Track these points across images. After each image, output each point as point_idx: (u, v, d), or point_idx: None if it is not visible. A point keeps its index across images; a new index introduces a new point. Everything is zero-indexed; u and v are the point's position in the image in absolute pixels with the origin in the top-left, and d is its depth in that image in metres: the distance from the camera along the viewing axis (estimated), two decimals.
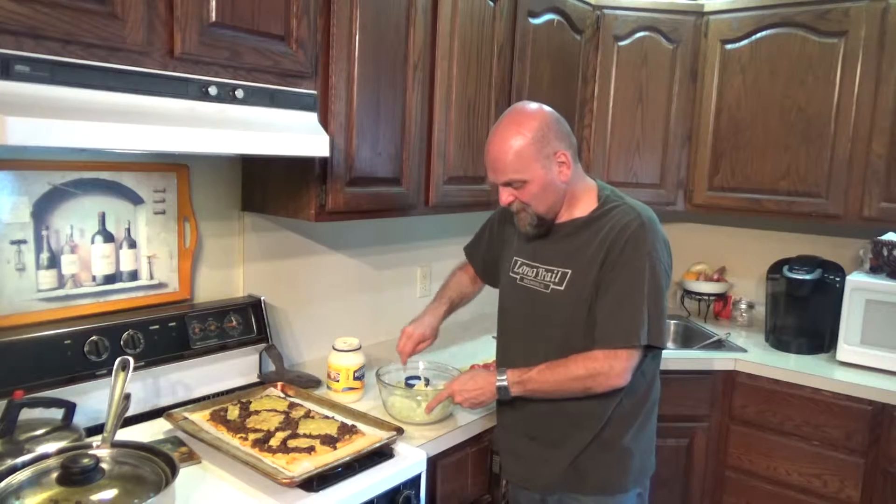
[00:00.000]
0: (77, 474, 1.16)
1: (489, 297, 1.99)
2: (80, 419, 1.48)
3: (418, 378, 1.92)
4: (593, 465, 1.60)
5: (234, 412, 1.65)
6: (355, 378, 1.87)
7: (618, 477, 1.61)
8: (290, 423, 1.60)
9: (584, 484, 1.61)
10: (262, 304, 1.98)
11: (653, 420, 1.69)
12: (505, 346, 1.76)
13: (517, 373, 1.59)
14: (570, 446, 1.60)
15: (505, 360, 1.72)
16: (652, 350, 1.58)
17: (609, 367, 1.50)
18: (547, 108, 1.58)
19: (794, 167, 2.63)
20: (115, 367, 1.36)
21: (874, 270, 2.53)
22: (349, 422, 1.64)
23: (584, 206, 1.62)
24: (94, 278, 1.69)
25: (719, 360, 2.56)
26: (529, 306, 1.66)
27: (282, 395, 1.83)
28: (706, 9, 2.79)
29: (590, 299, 1.55)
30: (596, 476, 1.60)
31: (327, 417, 1.67)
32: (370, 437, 1.57)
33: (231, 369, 1.93)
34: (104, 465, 1.21)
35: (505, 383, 1.59)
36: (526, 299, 1.66)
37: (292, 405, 1.73)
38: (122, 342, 1.65)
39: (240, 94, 1.48)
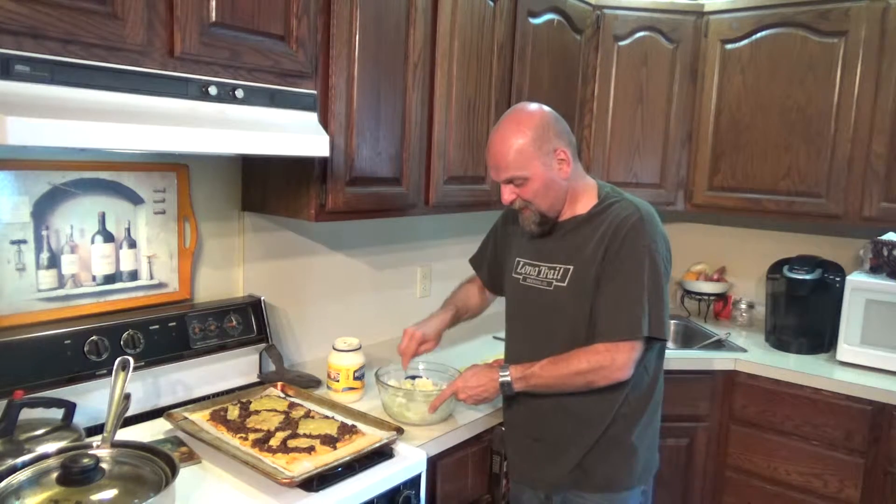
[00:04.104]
0: (77, 474, 1.16)
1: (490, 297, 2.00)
2: (80, 419, 1.48)
3: (419, 378, 1.92)
4: (600, 463, 1.61)
5: (234, 412, 1.65)
6: (355, 378, 1.87)
7: (623, 475, 1.62)
8: (290, 423, 1.60)
9: (589, 482, 1.61)
10: (262, 304, 1.98)
11: (657, 417, 1.70)
12: (512, 345, 1.77)
13: (520, 368, 1.59)
14: (577, 445, 1.61)
15: (512, 359, 1.72)
16: (654, 343, 1.59)
17: (611, 360, 1.51)
18: (546, 107, 1.60)
19: (794, 167, 2.63)
20: (115, 367, 1.36)
21: (874, 270, 2.53)
22: (349, 422, 1.64)
23: (585, 203, 1.63)
24: (94, 278, 1.69)
25: (719, 360, 2.56)
26: (534, 305, 1.66)
27: (282, 395, 1.83)
28: (706, 9, 2.79)
29: (592, 294, 1.55)
30: (602, 474, 1.61)
31: (327, 417, 1.67)
32: (370, 437, 1.57)
33: (231, 369, 1.93)
34: (104, 465, 1.21)
35: (508, 379, 1.60)
36: (530, 298, 1.67)
37: (292, 405, 1.73)
38: (122, 342, 1.66)
39: (240, 94, 1.48)
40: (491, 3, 2.23)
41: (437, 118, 2.09)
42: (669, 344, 2.82)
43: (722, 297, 3.12)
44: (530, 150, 1.53)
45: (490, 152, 1.58)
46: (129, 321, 1.69)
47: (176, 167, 1.82)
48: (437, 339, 1.87)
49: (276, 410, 1.68)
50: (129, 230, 1.75)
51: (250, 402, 1.73)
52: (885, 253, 2.49)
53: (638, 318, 1.50)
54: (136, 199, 1.75)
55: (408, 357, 1.83)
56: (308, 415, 1.67)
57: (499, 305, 1.83)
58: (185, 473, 1.38)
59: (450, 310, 1.92)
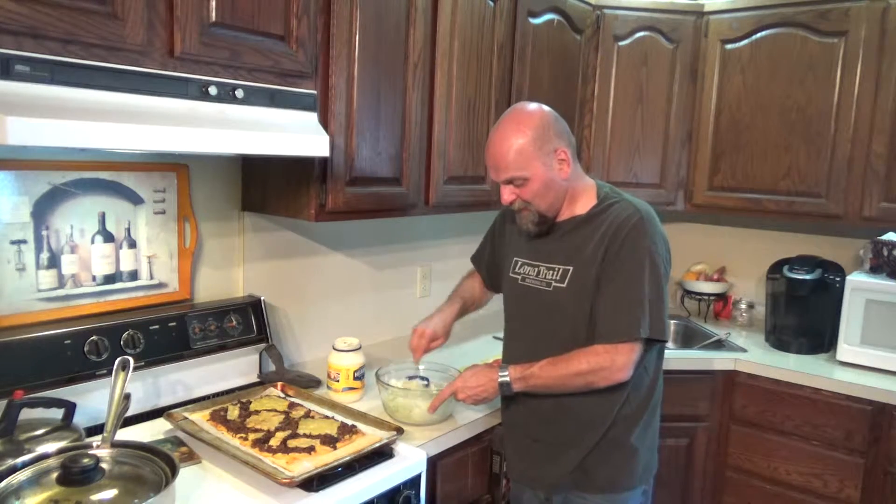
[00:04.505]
0: (77, 474, 1.16)
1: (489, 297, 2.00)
2: (80, 419, 1.48)
3: (419, 378, 1.92)
4: (600, 464, 1.60)
5: (234, 412, 1.65)
6: (355, 378, 1.87)
7: (624, 475, 1.62)
8: (290, 423, 1.60)
9: (590, 483, 1.61)
10: (262, 304, 1.98)
11: (657, 417, 1.70)
12: (510, 345, 1.77)
13: (519, 368, 1.59)
14: (577, 447, 1.61)
15: (510, 359, 1.72)
16: (654, 344, 1.58)
17: (611, 361, 1.51)
18: (546, 107, 1.60)
19: (794, 167, 2.63)
20: (115, 367, 1.36)
21: (874, 270, 2.53)
22: (349, 422, 1.64)
23: (584, 203, 1.62)
24: (94, 278, 1.69)
25: (719, 360, 2.56)
26: (533, 305, 1.66)
27: (282, 395, 1.83)
28: (706, 9, 2.79)
29: (592, 295, 1.55)
30: (603, 475, 1.61)
31: (327, 417, 1.67)
32: (370, 437, 1.57)
33: (231, 369, 1.93)
34: (104, 465, 1.21)
35: (507, 379, 1.60)
36: (529, 299, 1.67)
37: (292, 405, 1.73)
38: (122, 342, 1.65)
39: (240, 94, 1.48)
40: (491, 3, 2.23)
41: (437, 118, 2.09)
42: (669, 344, 2.81)
43: (722, 297, 3.12)
44: (530, 150, 1.52)
45: (490, 152, 1.58)
46: (129, 321, 1.69)
47: (176, 167, 1.82)
48: (447, 335, 1.87)
49: (276, 410, 1.68)
50: (129, 230, 1.75)
51: (250, 402, 1.73)
52: (885, 253, 2.49)
53: (638, 319, 1.50)
54: (136, 199, 1.75)
55: (419, 354, 1.83)
56: (308, 415, 1.67)
57: (499, 305, 1.83)
58: (185, 473, 1.38)
59: (457, 302, 1.93)
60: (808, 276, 2.61)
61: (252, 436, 1.52)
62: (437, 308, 1.92)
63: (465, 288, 1.99)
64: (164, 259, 1.83)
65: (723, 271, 3.16)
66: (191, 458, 1.47)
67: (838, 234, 2.83)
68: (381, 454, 1.54)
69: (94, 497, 1.15)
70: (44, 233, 1.59)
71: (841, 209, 2.55)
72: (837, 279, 2.59)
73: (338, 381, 1.86)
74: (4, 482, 1.15)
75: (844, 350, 2.47)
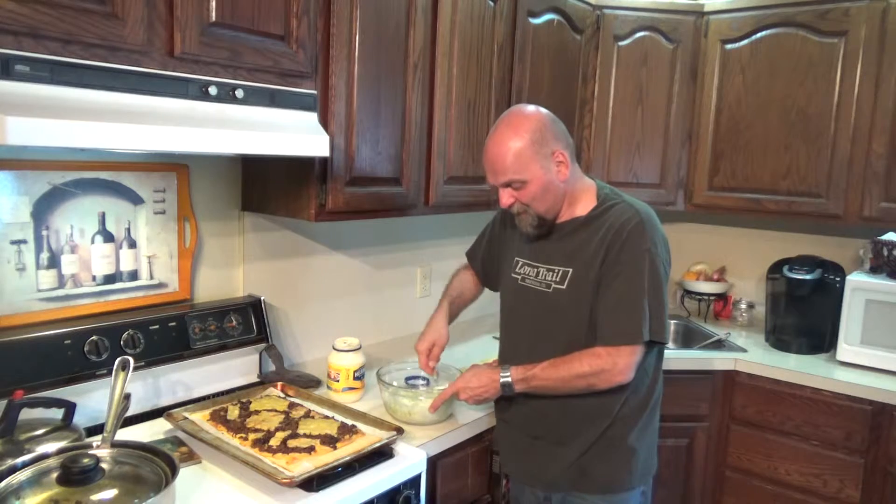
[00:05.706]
0: (77, 474, 1.16)
1: (490, 298, 1.99)
2: (80, 419, 1.48)
3: (419, 378, 1.92)
4: (598, 463, 1.60)
5: (234, 412, 1.65)
6: (355, 378, 1.87)
7: (623, 475, 1.62)
8: (290, 423, 1.60)
9: (588, 482, 1.61)
10: (262, 304, 1.99)
11: (656, 418, 1.70)
12: (509, 346, 1.77)
13: (521, 369, 1.59)
14: (575, 445, 1.61)
15: (508, 359, 1.72)
16: (654, 346, 1.59)
17: (612, 363, 1.51)
18: (543, 109, 1.60)
19: (794, 167, 2.63)
20: (115, 367, 1.36)
21: (874, 270, 2.53)
22: (349, 422, 1.64)
23: (584, 205, 1.62)
24: (94, 278, 1.69)
25: (719, 360, 2.56)
26: (532, 306, 1.66)
27: (282, 395, 1.83)
28: (706, 9, 2.79)
29: (592, 297, 1.55)
30: (601, 474, 1.61)
31: (327, 417, 1.67)
32: (370, 437, 1.57)
33: (231, 369, 1.93)
34: (104, 465, 1.21)
35: (509, 379, 1.60)
36: (528, 300, 1.67)
37: (292, 405, 1.73)
38: (122, 342, 1.66)
39: (240, 93, 1.48)
40: (491, 3, 2.23)
41: (437, 118, 2.09)
42: (669, 344, 2.82)
43: (722, 297, 3.12)
44: (528, 153, 1.52)
45: (487, 156, 1.57)
46: (129, 321, 1.69)
47: (176, 167, 1.82)
48: (447, 335, 1.86)
49: (276, 410, 1.68)
50: (129, 230, 1.75)
51: (250, 402, 1.73)
52: (885, 253, 2.49)
53: (638, 322, 1.50)
54: (136, 199, 1.75)
55: (430, 370, 1.83)
56: (308, 415, 1.67)
57: (496, 306, 1.83)
58: (185, 473, 1.38)
59: (446, 305, 1.91)
60: (808, 276, 2.61)
61: (252, 436, 1.52)
62: (432, 315, 1.90)
63: (454, 286, 1.97)
64: (164, 259, 1.83)
65: (723, 271, 3.16)
66: (191, 458, 1.47)
67: (838, 234, 2.83)
68: (381, 454, 1.54)
69: (94, 497, 1.15)
70: (44, 233, 1.59)
71: (841, 209, 2.55)
72: (837, 279, 2.59)
73: (338, 381, 1.86)
74: (4, 482, 1.16)
75: (844, 350, 2.47)
